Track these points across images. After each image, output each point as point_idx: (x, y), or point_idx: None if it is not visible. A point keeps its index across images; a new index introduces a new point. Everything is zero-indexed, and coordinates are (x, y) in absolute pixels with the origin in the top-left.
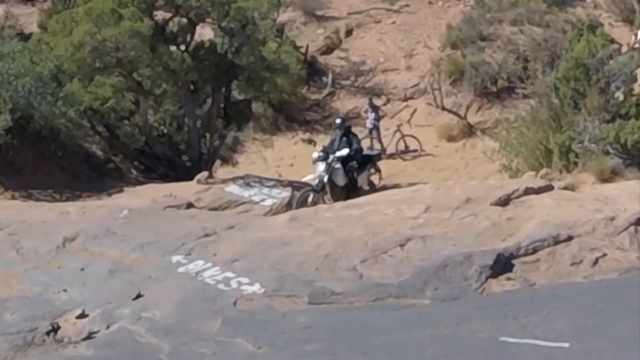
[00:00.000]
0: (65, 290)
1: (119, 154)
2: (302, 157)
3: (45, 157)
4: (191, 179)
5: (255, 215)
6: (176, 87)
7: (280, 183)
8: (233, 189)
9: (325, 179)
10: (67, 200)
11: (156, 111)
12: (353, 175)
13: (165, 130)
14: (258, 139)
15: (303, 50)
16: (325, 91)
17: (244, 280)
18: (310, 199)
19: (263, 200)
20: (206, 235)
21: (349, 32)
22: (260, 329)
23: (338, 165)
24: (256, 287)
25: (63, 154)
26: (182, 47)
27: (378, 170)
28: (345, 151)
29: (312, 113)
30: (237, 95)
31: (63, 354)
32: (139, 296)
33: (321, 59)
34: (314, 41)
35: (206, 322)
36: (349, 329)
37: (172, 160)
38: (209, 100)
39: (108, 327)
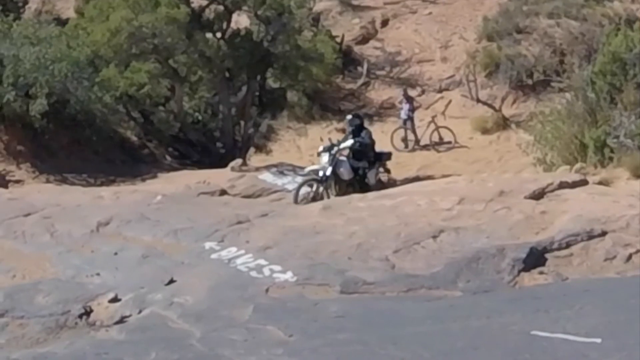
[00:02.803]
0: (98, 274)
1: (154, 140)
2: None
3: (80, 141)
4: (225, 166)
5: (288, 203)
6: (211, 75)
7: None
8: (266, 176)
9: (329, 171)
10: (101, 184)
11: (191, 98)
12: (362, 171)
13: (199, 117)
14: (292, 127)
15: (338, 39)
16: (360, 81)
17: (276, 268)
18: (312, 190)
19: None
20: (239, 223)
21: (384, 22)
22: (292, 317)
23: (343, 158)
24: (288, 275)
25: (98, 139)
26: (218, 35)
27: (387, 171)
28: (349, 142)
29: (347, 103)
30: (272, 83)
31: (95, 337)
32: (171, 281)
33: (356, 49)
34: (350, 31)
35: (238, 309)
36: (380, 319)
37: (206, 147)
38: (244, 88)
39: (140, 311)
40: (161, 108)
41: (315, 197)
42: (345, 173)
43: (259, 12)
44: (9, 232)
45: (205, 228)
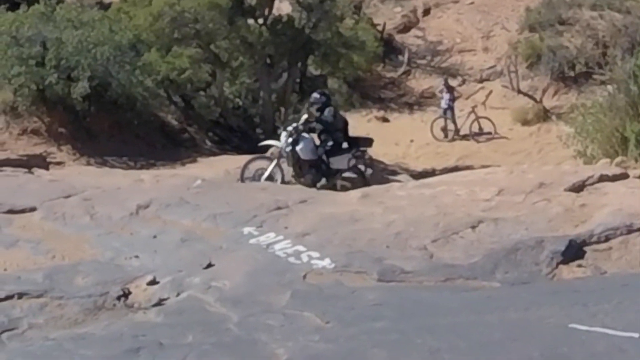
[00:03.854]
0: (136, 257)
1: (194, 124)
2: (375, 135)
3: (121, 125)
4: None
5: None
6: (253, 60)
7: None
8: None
9: (288, 149)
10: (141, 168)
11: (232, 83)
12: (323, 153)
13: (240, 103)
14: None
15: (380, 28)
16: (401, 70)
17: (315, 254)
18: (265, 168)
19: None
20: (278, 208)
21: (426, 11)
22: (329, 303)
23: (306, 136)
24: (326, 262)
25: (139, 123)
26: (260, 21)
27: (367, 163)
28: (304, 117)
29: (387, 91)
30: (312, 70)
31: (133, 319)
32: (209, 265)
33: (398, 38)
34: (391, 19)
35: (275, 295)
36: (418, 308)
37: (246, 132)
38: (285, 75)
39: (178, 294)
40: (202, 93)
41: (269, 176)
42: (304, 152)
43: None
44: (50, 213)
45: (244, 213)
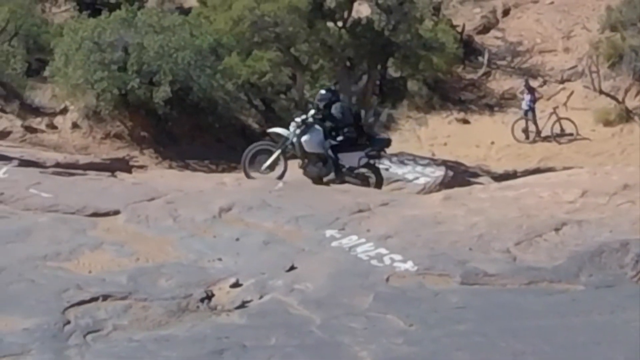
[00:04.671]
0: (219, 259)
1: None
2: (456, 136)
3: (202, 128)
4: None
5: (408, 192)
6: (332, 63)
7: (433, 162)
8: (387, 165)
9: (294, 139)
10: (222, 171)
11: (312, 86)
12: (329, 147)
13: (320, 106)
14: (412, 117)
15: (459, 29)
16: (481, 71)
17: (397, 257)
18: (270, 158)
19: (416, 178)
20: (360, 211)
21: (506, 12)
22: (412, 306)
23: (317, 127)
24: (409, 265)
25: (220, 126)
26: (340, 24)
27: (373, 169)
28: (312, 112)
29: (467, 93)
30: (392, 72)
31: (216, 321)
32: (292, 268)
33: (477, 39)
34: (471, 20)
35: (358, 297)
36: (501, 311)
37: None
38: (365, 77)
39: (261, 297)
40: (282, 96)
41: (271, 166)
42: (309, 144)
43: (380, 1)
44: (133, 216)
45: (326, 216)
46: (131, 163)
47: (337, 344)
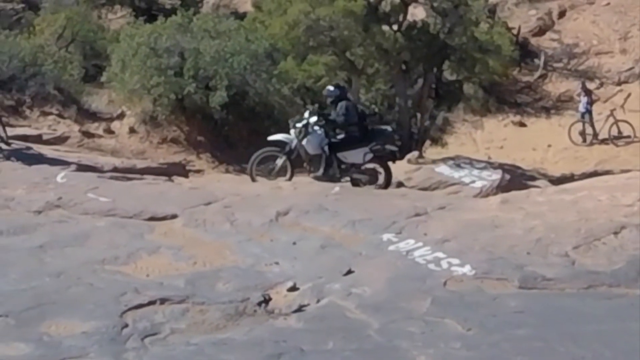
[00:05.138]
0: (277, 263)
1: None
2: (512, 139)
3: (259, 132)
4: (401, 158)
5: (465, 196)
6: (388, 67)
7: (490, 165)
8: (443, 169)
9: (294, 143)
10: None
11: (368, 90)
12: (328, 145)
13: (376, 109)
14: (468, 120)
15: (515, 31)
16: (537, 73)
17: (455, 261)
18: (275, 162)
19: (473, 182)
20: (417, 215)
21: (562, 14)
22: (470, 310)
23: (316, 129)
24: (467, 269)
25: (276, 130)
26: (395, 27)
27: (385, 166)
28: (306, 115)
29: (523, 95)
30: (448, 75)
31: (273, 325)
32: (349, 272)
33: (533, 41)
34: (526, 22)
35: (416, 301)
36: (560, 316)
37: None
38: (420, 81)
39: (318, 301)
40: None
41: (280, 171)
42: (311, 146)
43: (435, 4)
44: (191, 220)
45: (383, 220)
46: (188, 167)
47: (395, 348)
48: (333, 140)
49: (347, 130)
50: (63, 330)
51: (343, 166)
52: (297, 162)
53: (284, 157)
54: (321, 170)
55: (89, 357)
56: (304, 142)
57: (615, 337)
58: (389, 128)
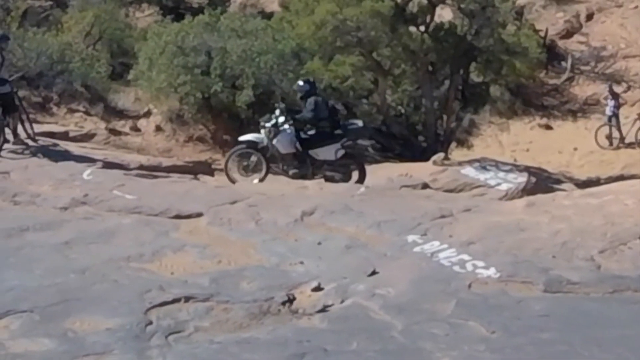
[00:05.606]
0: (301, 263)
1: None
2: (538, 142)
3: None
4: (427, 159)
5: (491, 199)
6: (415, 68)
7: (516, 168)
8: (469, 171)
9: (265, 141)
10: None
11: (394, 91)
12: (300, 141)
13: (402, 111)
14: (494, 122)
15: (542, 33)
16: (564, 76)
17: (480, 263)
18: (249, 161)
19: (499, 184)
20: (442, 217)
21: (589, 16)
22: (494, 313)
23: (286, 128)
24: (491, 271)
25: None
26: (422, 28)
27: (359, 166)
28: (276, 112)
29: (550, 98)
30: (474, 77)
31: (297, 325)
32: (373, 273)
33: (560, 43)
34: (554, 25)
35: (440, 303)
36: (585, 320)
37: (408, 140)
38: (447, 82)
39: (342, 301)
40: (364, 101)
41: (255, 169)
42: (282, 146)
43: (463, 6)
44: (216, 218)
45: (408, 221)
46: (214, 166)
47: (418, 350)
48: (303, 136)
49: (318, 125)
50: (87, 327)
51: (316, 163)
52: (273, 159)
53: (258, 154)
54: (294, 169)
55: (113, 354)
56: (274, 141)
57: None
58: (360, 122)
